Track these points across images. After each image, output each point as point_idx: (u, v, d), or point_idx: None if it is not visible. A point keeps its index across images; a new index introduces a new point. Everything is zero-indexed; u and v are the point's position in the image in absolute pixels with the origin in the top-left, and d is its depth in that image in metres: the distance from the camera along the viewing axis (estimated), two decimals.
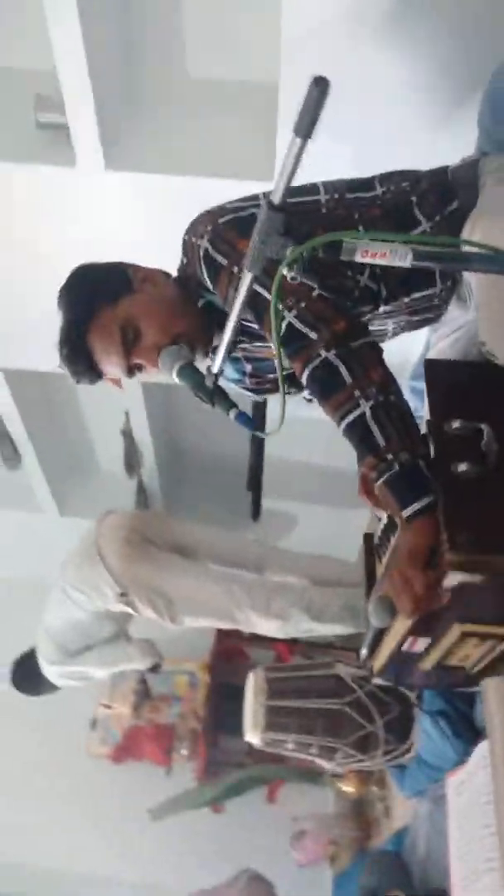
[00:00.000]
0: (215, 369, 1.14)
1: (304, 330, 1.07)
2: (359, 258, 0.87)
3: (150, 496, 3.54)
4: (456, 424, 1.02)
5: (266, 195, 1.31)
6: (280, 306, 1.09)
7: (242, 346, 1.42)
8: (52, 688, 2.78)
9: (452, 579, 0.91)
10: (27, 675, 2.72)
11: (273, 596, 2.41)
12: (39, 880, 3.30)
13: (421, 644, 1.16)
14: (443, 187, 1.30)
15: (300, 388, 1.51)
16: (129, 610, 2.44)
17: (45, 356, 1.36)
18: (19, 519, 3.79)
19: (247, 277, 0.93)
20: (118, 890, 3.27)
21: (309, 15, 1.52)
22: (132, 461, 3.33)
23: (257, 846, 3.19)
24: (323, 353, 1.05)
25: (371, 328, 1.29)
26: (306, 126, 0.73)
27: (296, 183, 0.81)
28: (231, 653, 3.60)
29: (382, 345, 1.42)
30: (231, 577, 2.46)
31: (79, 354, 1.31)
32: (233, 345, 1.10)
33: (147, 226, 1.47)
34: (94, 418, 3.52)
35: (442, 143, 1.52)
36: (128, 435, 3.22)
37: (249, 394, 1.55)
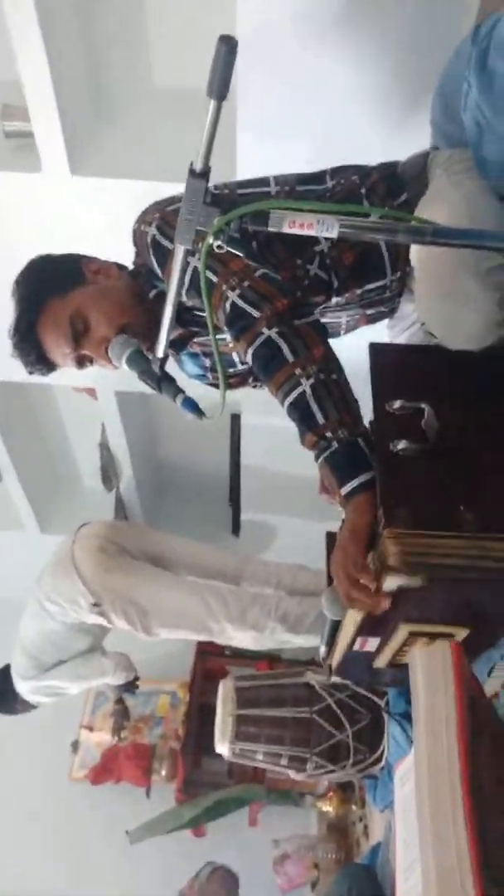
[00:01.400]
0: (159, 353, 1.13)
1: (248, 309, 1.07)
2: (286, 228, 0.86)
3: (130, 510, 3.52)
4: (397, 405, 1.02)
5: (216, 188, 1.33)
6: (224, 287, 1.10)
7: (199, 339, 1.42)
8: (26, 706, 2.73)
9: (391, 583, 0.89)
10: (2, 692, 2.68)
11: (249, 607, 2.38)
12: None
13: (371, 644, 1.14)
14: (392, 180, 1.31)
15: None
16: (103, 621, 2.41)
17: (21, 366, 1.36)
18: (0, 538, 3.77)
19: (179, 251, 0.93)
20: None
21: (261, 20, 1.54)
22: (109, 474, 3.31)
23: (239, 870, 3.11)
24: (265, 332, 1.04)
25: (324, 321, 1.29)
26: (218, 86, 0.73)
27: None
28: (212, 672, 3.54)
29: (337, 340, 1.44)
30: (206, 587, 2.43)
31: (29, 346, 1.31)
32: (174, 324, 1.10)
33: (112, 230, 1.47)
34: (74, 432, 3.52)
35: (397, 142, 1.53)
36: (104, 447, 3.21)
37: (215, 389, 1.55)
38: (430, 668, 0.72)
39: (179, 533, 2.83)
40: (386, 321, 1.49)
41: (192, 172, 0.82)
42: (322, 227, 0.85)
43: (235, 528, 3.58)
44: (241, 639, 2.39)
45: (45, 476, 3.64)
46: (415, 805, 0.68)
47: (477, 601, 0.98)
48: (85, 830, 3.37)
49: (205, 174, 0.82)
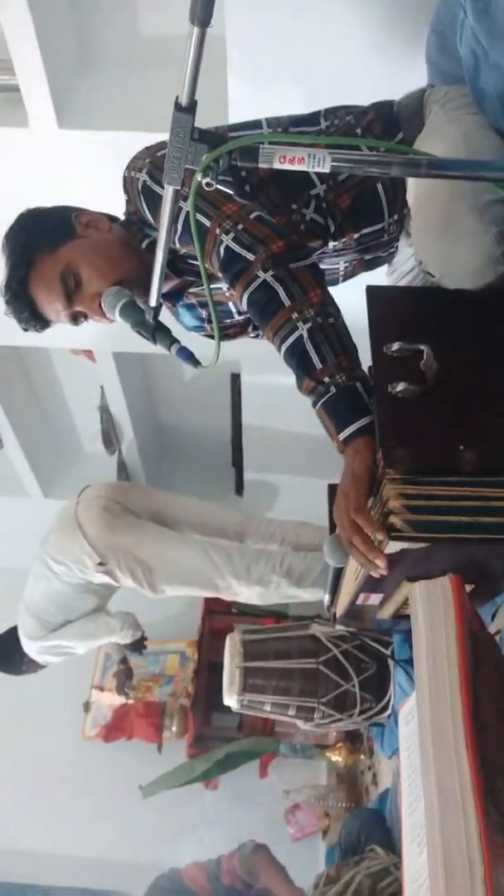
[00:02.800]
0: (152, 302, 1.11)
1: (242, 252, 1.05)
2: (276, 164, 0.84)
3: (132, 474, 3.52)
4: (395, 347, 1.00)
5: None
6: (217, 230, 1.07)
7: (194, 290, 1.39)
8: (33, 667, 2.76)
9: (394, 546, 0.88)
10: (8, 653, 2.71)
11: (253, 563, 2.40)
12: (34, 863, 3.29)
13: (375, 599, 1.14)
14: (388, 119, 1.27)
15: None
16: (110, 580, 2.43)
17: (19, 329, 1.34)
18: (4, 504, 3.78)
19: (168, 192, 0.91)
20: (113, 868, 3.26)
21: None
22: (110, 437, 3.30)
23: (251, 821, 3.18)
24: (261, 275, 1.02)
25: (322, 268, 1.27)
26: (201, 11, 0.70)
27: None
28: (220, 630, 3.57)
29: (336, 287, 1.41)
30: (211, 545, 2.44)
31: (21, 303, 1.29)
32: (168, 274, 1.08)
33: (103, 183, 1.44)
34: (73, 396, 3.50)
35: (392, 83, 1.49)
36: (104, 410, 3.20)
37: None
38: (431, 601, 0.72)
39: (182, 493, 2.83)
40: (385, 267, 1.46)
41: (177, 106, 0.80)
42: (313, 161, 0.83)
43: (239, 488, 3.58)
44: (247, 594, 2.41)
45: (47, 441, 3.64)
46: (418, 739, 0.69)
47: (479, 557, 0.97)
48: (99, 786, 3.44)
49: (191, 108, 0.80)
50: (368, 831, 1.80)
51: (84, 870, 3.32)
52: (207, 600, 3.58)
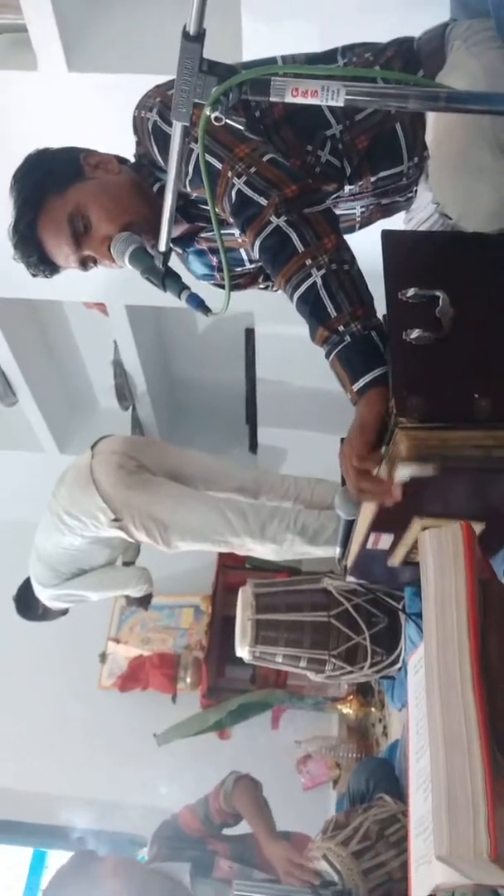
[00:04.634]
0: (161, 247, 1.09)
1: (255, 197, 1.01)
2: (289, 97, 0.81)
3: (146, 430, 3.52)
4: (411, 293, 0.97)
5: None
6: (229, 174, 1.04)
7: (205, 235, 1.36)
8: (49, 614, 2.80)
9: (403, 473, 0.87)
10: (26, 600, 2.75)
11: (268, 520, 2.39)
12: (50, 806, 3.40)
13: (385, 541, 1.13)
14: (408, 55, 1.22)
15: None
16: (124, 535, 2.44)
17: (33, 283, 1.32)
18: (20, 459, 3.80)
19: (177, 128, 0.88)
20: (127, 813, 3.36)
21: None
22: (124, 392, 3.29)
23: (263, 770, 3.25)
24: (273, 220, 0.99)
25: (337, 213, 1.23)
26: None
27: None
28: (233, 585, 3.61)
29: (352, 235, 1.38)
30: (225, 502, 2.44)
31: (29, 246, 1.26)
32: (178, 218, 1.05)
33: (112, 126, 1.40)
34: (87, 350, 3.49)
35: (412, 19, 1.42)
36: (118, 365, 3.18)
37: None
38: (441, 547, 0.71)
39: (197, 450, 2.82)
40: (402, 214, 1.42)
41: (185, 35, 0.76)
42: (327, 94, 0.79)
43: (253, 445, 3.58)
44: (260, 551, 2.42)
45: (61, 396, 3.64)
46: (425, 685, 0.68)
47: (492, 493, 0.97)
48: (114, 734, 3.52)
49: (199, 37, 0.76)
50: (377, 780, 1.83)
51: (100, 812, 3.42)
52: (221, 555, 3.61)
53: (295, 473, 2.63)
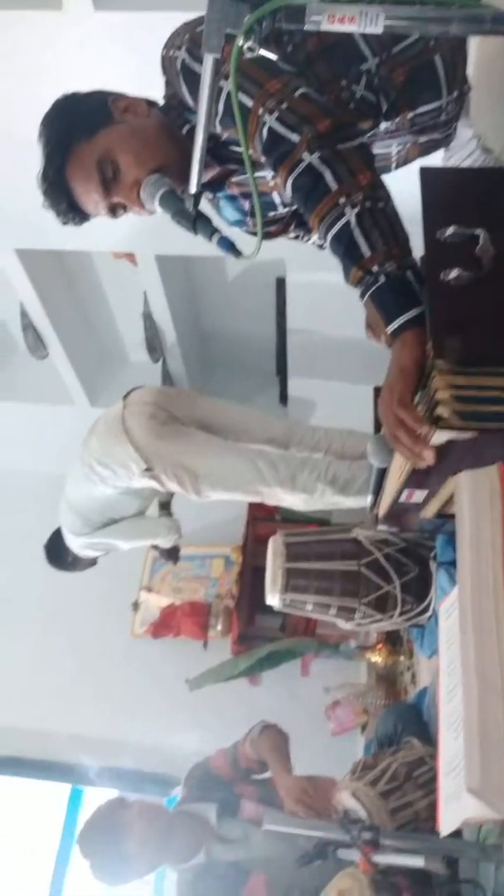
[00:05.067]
0: (192, 188, 1.07)
1: (286, 133, 0.99)
2: (325, 25, 0.77)
3: (177, 383, 3.52)
4: (450, 231, 0.95)
5: None
6: (260, 110, 1.01)
7: (236, 179, 1.33)
8: (79, 564, 2.85)
9: (440, 437, 0.85)
10: (56, 549, 2.80)
11: (298, 471, 2.40)
12: (88, 746, 3.52)
13: (418, 496, 1.12)
14: None
15: (307, 229, 1.42)
16: (155, 484, 2.46)
17: (61, 234, 1.30)
18: (52, 413, 3.84)
19: (208, 61, 0.85)
20: (159, 755, 3.47)
21: None
22: (154, 345, 3.28)
23: (292, 716, 3.31)
24: (306, 157, 0.97)
25: (374, 153, 1.19)
26: None
27: None
28: (263, 536, 3.63)
29: (389, 175, 1.33)
30: (257, 452, 2.45)
31: (58, 193, 1.25)
32: (208, 160, 1.03)
33: (140, 69, 1.37)
34: (117, 303, 3.47)
35: None
36: (148, 317, 3.17)
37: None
38: (477, 490, 0.70)
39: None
40: (441, 152, 1.37)
41: None
42: (365, 21, 0.76)
43: (283, 397, 3.56)
44: (291, 501, 2.43)
45: (91, 350, 3.65)
46: (458, 627, 0.68)
47: None
48: (147, 680, 3.62)
49: None
50: (405, 723, 1.86)
51: (134, 753, 3.54)
52: (251, 507, 3.64)
53: (326, 424, 2.62)
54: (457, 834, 1.34)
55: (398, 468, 1.09)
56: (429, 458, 0.86)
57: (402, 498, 1.12)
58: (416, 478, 1.00)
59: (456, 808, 0.79)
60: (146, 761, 3.48)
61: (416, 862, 1.14)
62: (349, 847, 1.36)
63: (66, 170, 1.23)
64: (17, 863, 3.68)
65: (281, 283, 2.97)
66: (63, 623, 3.82)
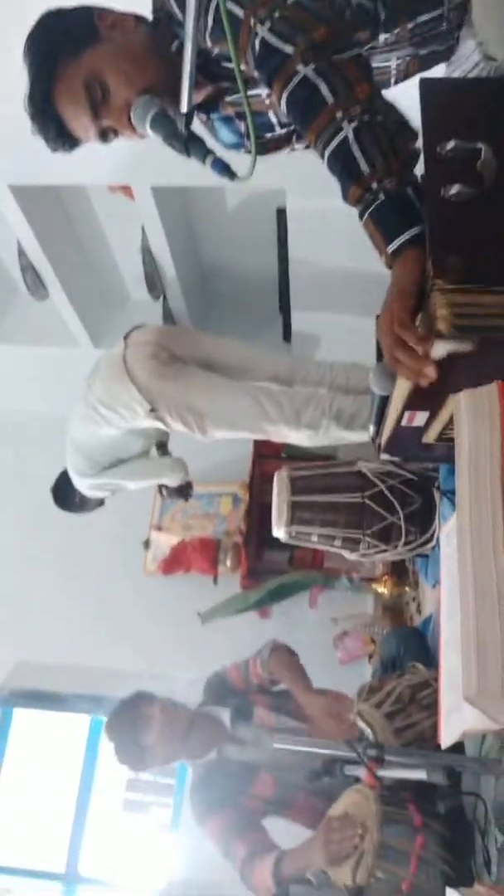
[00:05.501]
0: (183, 107, 1.03)
1: (279, 45, 0.94)
2: None
3: (178, 321, 3.48)
4: (450, 145, 0.91)
5: None
6: (252, 20, 0.96)
7: (230, 99, 1.28)
8: (91, 505, 2.88)
9: (440, 349, 0.83)
10: (63, 490, 2.83)
11: (303, 407, 2.39)
12: (106, 679, 3.63)
13: (420, 418, 1.11)
14: None
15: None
16: (160, 424, 2.46)
17: (56, 168, 1.25)
18: (55, 355, 3.82)
19: None
20: (174, 685, 3.57)
21: None
22: (154, 280, 3.23)
23: (301, 646, 3.40)
24: (301, 70, 0.92)
25: (373, 66, 1.14)
26: None
27: None
28: (270, 474, 3.65)
29: (390, 91, 1.28)
30: (260, 390, 2.44)
31: (47, 118, 1.20)
32: (198, 78, 0.99)
33: None
34: (115, 239, 3.40)
35: None
36: (147, 252, 3.10)
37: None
38: (476, 406, 0.70)
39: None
40: (443, 67, 1.31)
41: None
42: None
43: (287, 334, 3.52)
44: (296, 437, 2.43)
45: (92, 289, 3.59)
46: (457, 542, 0.69)
47: None
48: (161, 615, 3.70)
49: None
50: (407, 645, 1.90)
51: (149, 684, 3.64)
52: (257, 445, 3.65)
53: (330, 359, 2.59)
54: (460, 750, 1.39)
55: (400, 393, 1.08)
56: (430, 373, 0.84)
57: (404, 421, 1.11)
58: (417, 399, 0.98)
59: (456, 721, 0.81)
60: (161, 691, 3.59)
61: (419, 775, 1.18)
62: (356, 764, 1.41)
63: (54, 93, 1.18)
64: (43, 790, 3.86)
65: (282, 214, 2.89)
66: (77, 562, 3.89)
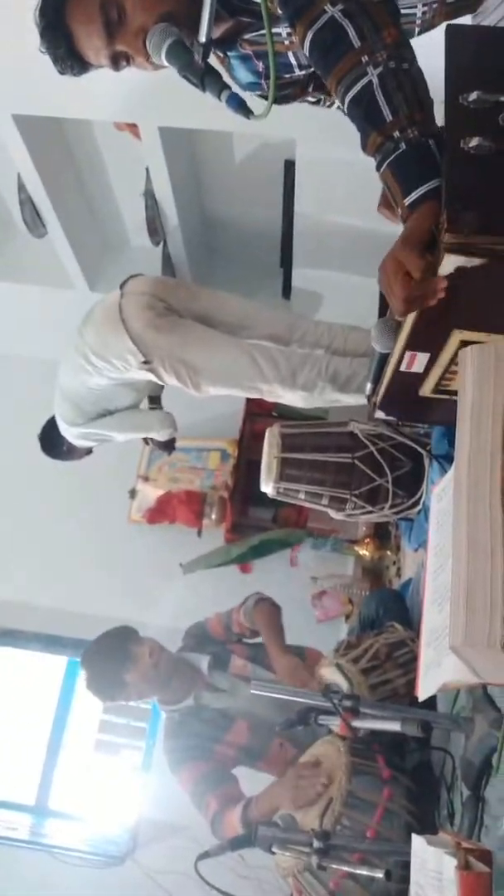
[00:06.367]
0: (202, 37, 0.99)
1: None
2: None
3: (178, 271, 3.42)
4: (473, 96, 0.89)
5: None
6: None
7: (249, 37, 1.24)
8: (74, 453, 2.86)
9: (448, 265, 0.82)
10: (50, 438, 2.81)
11: (299, 368, 2.37)
12: (84, 622, 3.67)
13: (420, 362, 1.10)
14: None
15: (327, 91, 1.33)
16: (153, 377, 2.43)
17: (62, 99, 1.19)
18: (50, 295, 3.76)
19: None
20: (153, 632, 3.61)
21: None
22: (156, 226, 3.16)
23: (280, 602, 3.45)
24: (328, 10, 0.89)
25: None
26: None
27: None
28: (260, 432, 3.65)
29: (416, 40, 1.24)
30: (257, 348, 2.41)
31: (57, 35, 1.14)
32: (218, 9, 0.95)
33: None
34: (119, 180, 3.32)
35: None
36: (150, 196, 3.04)
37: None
38: (481, 361, 0.69)
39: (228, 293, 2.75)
40: (468, 18, 1.27)
41: None
42: None
43: (286, 290, 3.48)
44: (290, 398, 2.42)
45: (92, 231, 3.52)
46: (453, 496, 0.69)
47: None
48: (143, 564, 3.73)
49: None
50: (387, 607, 1.93)
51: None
52: (249, 403, 3.64)
53: (330, 320, 2.57)
54: (432, 707, 1.42)
55: (402, 338, 1.06)
56: (440, 285, 0.82)
57: (403, 365, 1.09)
58: (419, 336, 0.96)
59: (435, 674, 0.83)
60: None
61: (393, 727, 1.20)
62: (331, 715, 1.44)
63: (66, 8, 1.13)
64: (17, 726, 3.92)
65: (290, 167, 2.83)
66: (62, 507, 3.89)
